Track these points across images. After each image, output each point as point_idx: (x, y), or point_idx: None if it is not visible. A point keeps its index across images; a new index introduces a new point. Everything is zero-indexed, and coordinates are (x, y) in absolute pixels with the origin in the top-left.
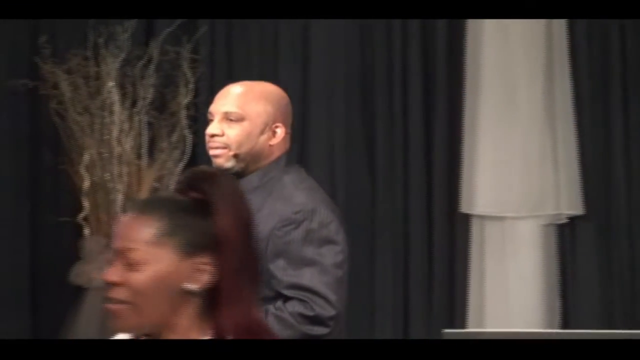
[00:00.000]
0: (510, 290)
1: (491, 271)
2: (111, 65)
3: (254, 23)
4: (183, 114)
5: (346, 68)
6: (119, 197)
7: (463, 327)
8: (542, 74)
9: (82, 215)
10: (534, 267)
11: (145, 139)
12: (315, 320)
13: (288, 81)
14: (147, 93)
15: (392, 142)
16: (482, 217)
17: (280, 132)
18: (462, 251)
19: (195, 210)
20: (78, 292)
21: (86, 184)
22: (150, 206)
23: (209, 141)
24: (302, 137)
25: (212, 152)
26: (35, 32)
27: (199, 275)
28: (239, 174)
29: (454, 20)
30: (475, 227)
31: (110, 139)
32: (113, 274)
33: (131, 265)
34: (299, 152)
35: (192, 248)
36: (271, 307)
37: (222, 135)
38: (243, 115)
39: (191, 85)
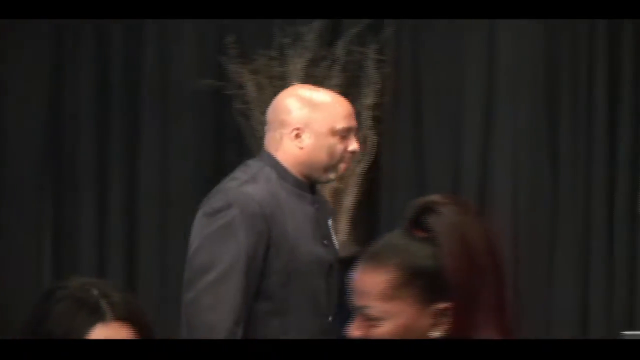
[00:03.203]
0: None
1: None
2: (296, 66)
3: (439, 23)
4: (367, 114)
5: (531, 68)
6: None
7: None
8: None
9: None
10: None
11: None
12: None
13: (473, 82)
14: None
15: (576, 143)
16: None
17: None
18: None
19: (427, 251)
20: None
21: None
22: (381, 255)
23: (351, 157)
24: (486, 137)
25: (346, 166)
26: (222, 33)
27: (442, 321)
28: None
29: None
30: None
31: None
32: (355, 329)
33: (370, 321)
34: (482, 150)
35: (431, 295)
36: None
37: None
38: None
39: (376, 86)
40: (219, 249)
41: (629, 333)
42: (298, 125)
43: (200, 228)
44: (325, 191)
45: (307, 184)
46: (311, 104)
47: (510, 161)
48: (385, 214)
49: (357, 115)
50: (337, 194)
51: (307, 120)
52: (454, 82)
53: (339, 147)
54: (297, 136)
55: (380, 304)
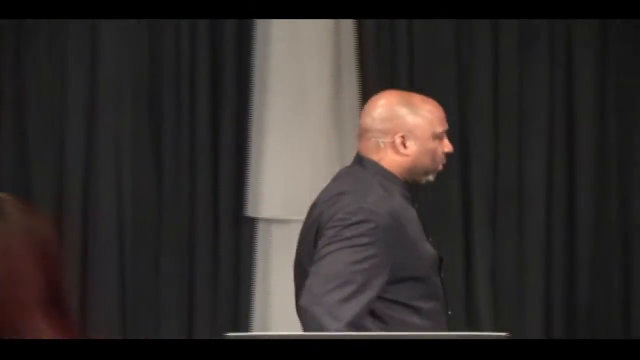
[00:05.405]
0: None
1: (277, 275)
2: None
3: (43, 24)
4: None
5: (134, 68)
6: None
7: (248, 331)
8: (331, 75)
9: None
10: None
11: None
12: None
13: (76, 82)
14: None
15: (179, 144)
16: (268, 221)
17: None
18: (247, 255)
19: None
20: None
21: None
22: None
23: (445, 159)
24: (89, 138)
25: (440, 168)
26: None
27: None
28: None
29: (242, 20)
30: (261, 231)
31: None
32: None
33: None
34: (86, 151)
35: None
36: None
37: None
38: None
39: None
40: (352, 263)
41: (232, 335)
42: (402, 133)
43: (330, 240)
44: None
45: (409, 187)
46: (412, 111)
47: (114, 162)
48: None
49: None
50: None
51: (411, 127)
52: (56, 82)
53: (439, 149)
54: (402, 143)
55: None
